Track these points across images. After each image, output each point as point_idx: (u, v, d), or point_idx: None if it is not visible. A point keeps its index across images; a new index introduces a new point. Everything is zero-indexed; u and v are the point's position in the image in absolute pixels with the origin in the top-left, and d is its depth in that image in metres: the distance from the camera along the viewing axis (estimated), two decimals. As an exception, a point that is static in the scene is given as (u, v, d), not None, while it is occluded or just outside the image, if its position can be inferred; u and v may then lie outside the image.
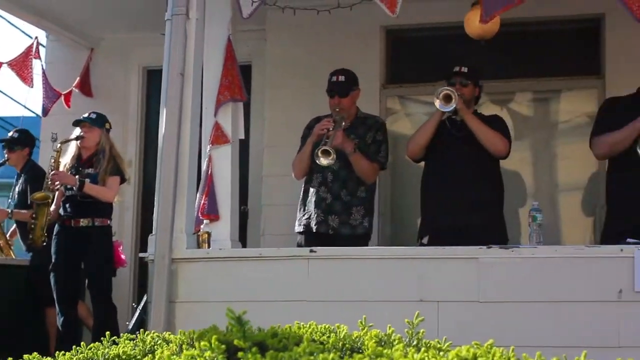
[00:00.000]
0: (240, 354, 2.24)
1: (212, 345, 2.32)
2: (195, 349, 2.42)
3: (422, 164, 6.30)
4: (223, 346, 2.33)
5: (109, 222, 6.88)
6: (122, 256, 7.36)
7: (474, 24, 6.13)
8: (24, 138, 7.99)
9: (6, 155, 7.96)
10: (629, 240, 5.22)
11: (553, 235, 7.44)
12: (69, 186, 6.80)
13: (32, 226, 7.04)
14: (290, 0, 7.05)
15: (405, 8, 5.34)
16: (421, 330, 2.84)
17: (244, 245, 6.77)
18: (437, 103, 5.90)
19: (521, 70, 7.78)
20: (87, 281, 6.96)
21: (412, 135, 6.35)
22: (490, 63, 7.52)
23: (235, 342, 2.26)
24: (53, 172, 6.84)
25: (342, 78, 6.34)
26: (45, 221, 6.99)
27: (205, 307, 5.24)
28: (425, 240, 6.03)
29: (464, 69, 6.14)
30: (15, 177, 8.04)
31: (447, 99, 5.89)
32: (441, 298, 5.10)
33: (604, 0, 5.30)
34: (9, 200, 8.01)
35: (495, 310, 5.06)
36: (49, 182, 6.85)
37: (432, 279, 5.15)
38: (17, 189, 7.89)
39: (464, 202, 6.02)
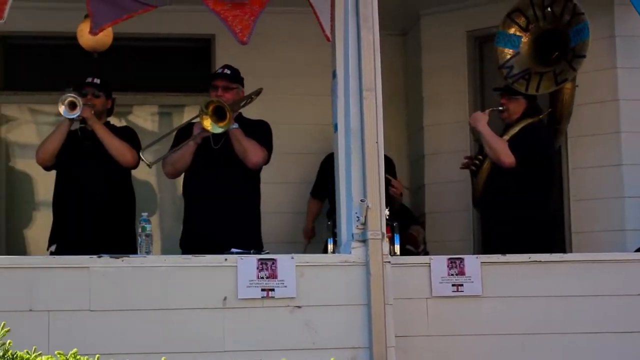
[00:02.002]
0: None
1: None
2: None
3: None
4: None
5: None
6: None
7: (86, 36, 6.17)
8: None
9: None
10: (233, 250, 5.51)
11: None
12: None
13: None
14: None
15: (20, 15, 5.30)
16: (8, 342, 2.83)
17: None
18: (62, 109, 6.01)
19: (142, 84, 7.90)
20: None
21: (41, 142, 6.39)
22: (111, 75, 7.58)
23: None
24: None
25: None
26: None
27: None
28: (53, 248, 6.13)
29: (97, 80, 6.40)
30: None
31: (72, 106, 6.02)
32: (52, 307, 5.07)
33: (214, 22, 5.54)
34: None
35: (106, 319, 5.10)
36: None
37: (43, 288, 5.09)
38: None
39: (92, 213, 6.19)
